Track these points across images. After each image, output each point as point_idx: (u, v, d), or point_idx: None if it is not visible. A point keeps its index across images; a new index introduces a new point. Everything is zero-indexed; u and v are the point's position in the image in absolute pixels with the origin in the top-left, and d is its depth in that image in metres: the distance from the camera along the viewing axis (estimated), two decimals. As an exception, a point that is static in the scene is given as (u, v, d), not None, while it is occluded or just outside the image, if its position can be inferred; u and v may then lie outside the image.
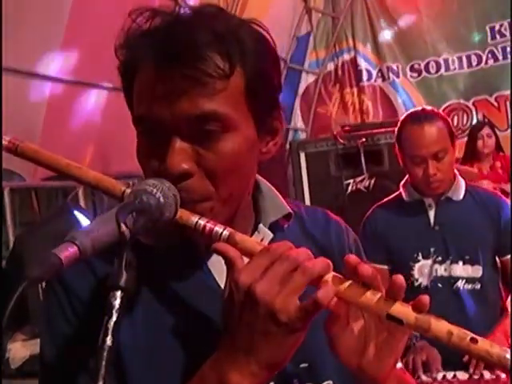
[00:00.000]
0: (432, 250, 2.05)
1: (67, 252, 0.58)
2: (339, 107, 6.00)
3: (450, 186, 2.05)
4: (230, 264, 0.70)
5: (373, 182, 3.60)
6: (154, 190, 0.70)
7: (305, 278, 0.67)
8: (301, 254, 0.69)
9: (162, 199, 0.70)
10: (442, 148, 1.97)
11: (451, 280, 2.03)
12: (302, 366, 0.83)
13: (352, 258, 0.70)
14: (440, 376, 1.87)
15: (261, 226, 0.86)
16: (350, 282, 0.70)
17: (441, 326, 0.67)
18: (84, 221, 2.35)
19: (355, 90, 5.90)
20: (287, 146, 4.17)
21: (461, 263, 2.03)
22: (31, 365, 2.04)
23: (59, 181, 3.23)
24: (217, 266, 0.79)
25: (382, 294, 0.69)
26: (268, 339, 0.67)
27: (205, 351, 0.72)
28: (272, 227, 0.87)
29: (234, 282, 0.68)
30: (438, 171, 1.97)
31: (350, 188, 3.64)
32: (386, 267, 2.16)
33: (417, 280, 2.07)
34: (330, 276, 0.70)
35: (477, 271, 2.03)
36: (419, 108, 2.09)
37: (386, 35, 5.70)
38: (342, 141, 3.57)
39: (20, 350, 2.07)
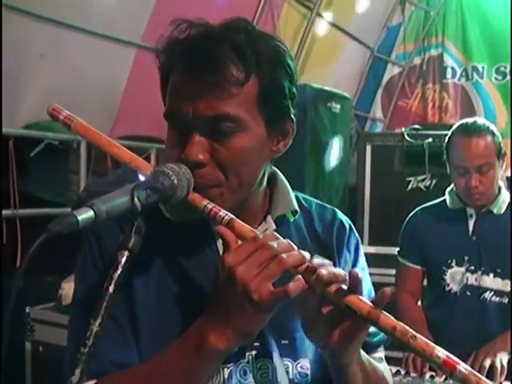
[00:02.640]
0: (466, 258, 2.10)
1: (84, 215, 0.72)
2: (419, 102, 5.94)
3: (493, 198, 2.08)
4: (225, 245, 0.83)
5: (434, 182, 3.61)
6: (170, 173, 0.83)
7: (279, 268, 0.78)
8: (282, 245, 0.80)
9: (175, 181, 0.83)
10: (487, 162, 1.99)
11: (480, 290, 2.08)
12: (283, 342, 0.96)
13: (315, 261, 0.81)
14: (428, 375, 1.93)
15: (268, 217, 0.99)
16: None
17: (388, 321, 0.78)
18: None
19: (437, 86, 5.81)
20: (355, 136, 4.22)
21: (491, 275, 2.07)
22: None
23: (134, 141, 3.42)
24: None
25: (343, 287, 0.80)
26: (242, 313, 0.79)
27: (198, 317, 0.85)
28: (278, 220, 1.00)
29: (222, 262, 0.80)
30: (480, 184, 2.00)
31: (410, 185, 3.66)
32: (419, 267, 2.23)
33: (448, 285, 2.12)
34: (304, 266, 0.81)
35: (506, 285, 2.06)
36: (472, 119, 2.10)
37: (476, 35, 5.56)
38: (409, 139, 3.60)
39: (72, 289, 2.30)
